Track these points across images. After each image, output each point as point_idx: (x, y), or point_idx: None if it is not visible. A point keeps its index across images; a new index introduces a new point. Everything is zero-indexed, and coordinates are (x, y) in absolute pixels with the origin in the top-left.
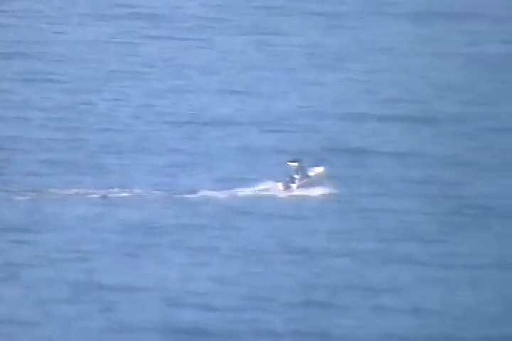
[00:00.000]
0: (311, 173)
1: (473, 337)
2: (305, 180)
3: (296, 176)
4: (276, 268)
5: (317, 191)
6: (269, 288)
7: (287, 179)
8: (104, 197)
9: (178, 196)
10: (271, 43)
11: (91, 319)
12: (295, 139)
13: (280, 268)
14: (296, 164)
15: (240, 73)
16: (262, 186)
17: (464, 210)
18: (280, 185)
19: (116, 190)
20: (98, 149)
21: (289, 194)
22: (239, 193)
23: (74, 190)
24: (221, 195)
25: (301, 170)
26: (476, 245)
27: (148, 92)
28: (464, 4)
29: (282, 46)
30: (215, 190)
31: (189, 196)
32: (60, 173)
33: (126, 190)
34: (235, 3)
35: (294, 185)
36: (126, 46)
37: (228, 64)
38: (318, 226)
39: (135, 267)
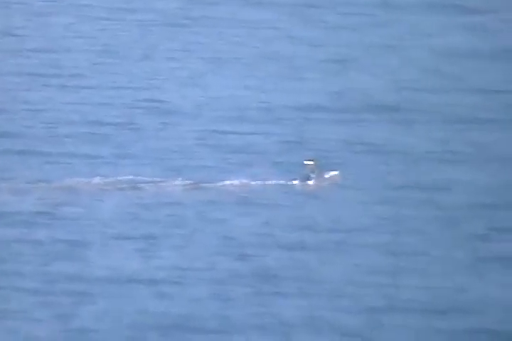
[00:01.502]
0: (326, 175)
1: None
2: (320, 180)
3: (312, 175)
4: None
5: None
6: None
7: (303, 177)
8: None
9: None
10: None
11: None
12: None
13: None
14: (312, 163)
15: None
16: (278, 182)
17: None
18: (296, 182)
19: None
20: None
21: (305, 188)
22: (254, 185)
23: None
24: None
25: (317, 170)
26: None
27: None
28: None
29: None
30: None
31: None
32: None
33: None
34: None
35: (310, 182)
36: None
37: None
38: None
39: None
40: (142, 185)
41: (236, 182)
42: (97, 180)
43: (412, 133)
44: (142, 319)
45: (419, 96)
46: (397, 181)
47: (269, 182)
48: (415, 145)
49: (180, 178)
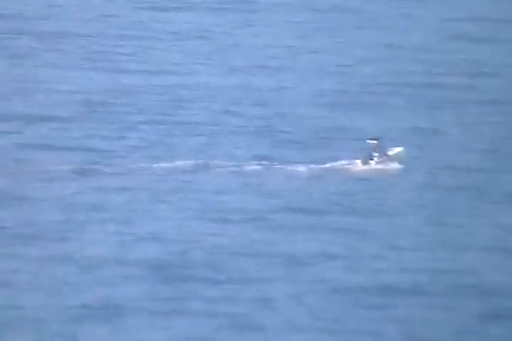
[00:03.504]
0: (389, 152)
1: None
2: (384, 158)
3: (375, 154)
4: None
5: (395, 166)
6: None
7: (366, 156)
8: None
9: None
10: None
11: None
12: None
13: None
14: (375, 142)
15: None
16: (340, 162)
17: None
18: (359, 161)
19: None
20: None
21: (367, 168)
22: (317, 167)
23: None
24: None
25: (380, 149)
26: None
27: None
28: None
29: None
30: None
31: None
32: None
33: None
34: None
35: (372, 162)
36: None
37: None
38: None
39: None
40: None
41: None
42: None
43: None
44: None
45: None
46: None
47: (333, 163)
48: None
49: (263, 161)
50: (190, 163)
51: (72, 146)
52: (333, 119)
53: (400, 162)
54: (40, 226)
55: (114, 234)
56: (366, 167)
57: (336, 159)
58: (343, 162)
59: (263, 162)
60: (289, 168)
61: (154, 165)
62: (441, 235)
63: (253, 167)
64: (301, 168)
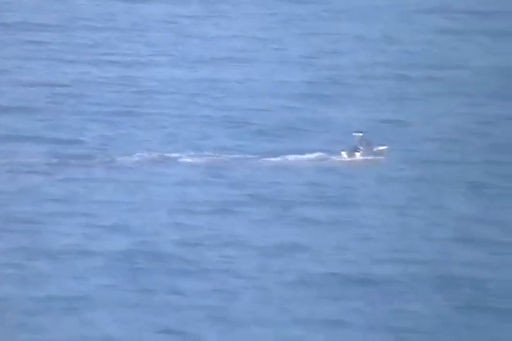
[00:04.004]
0: (374, 149)
1: None
2: (369, 153)
3: (361, 147)
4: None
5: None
6: None
7: (351, 148)
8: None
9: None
10: None
11: None
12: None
13: None
14: (360, 134)
15: None
16: (325, 154)
17: None
18: (344, 153)
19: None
20: None
21: (352, 160)
22: (302, 158)
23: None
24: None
25: (365, 143)
26: None
27: None
28: None
29: None
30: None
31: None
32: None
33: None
34: None
35: (357, 154)
36: None
37: None
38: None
39: None
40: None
41: (292, 156)
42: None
43: None
44: None
45: None
46: None
47: (316, 154)
48: None
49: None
50: (155, 154)
51: (38, 138)
52: (300, 111)
53: (387, 158)
54: (7, 217)
55: (81, 226)
56: (351, 158)
57: (307, 151)
58: (320, 153)
59: (231, 153)
60: (259, 159)
61: (119, 158)
62: (406, 226)
63: (221, 158)
64: (272, 159)
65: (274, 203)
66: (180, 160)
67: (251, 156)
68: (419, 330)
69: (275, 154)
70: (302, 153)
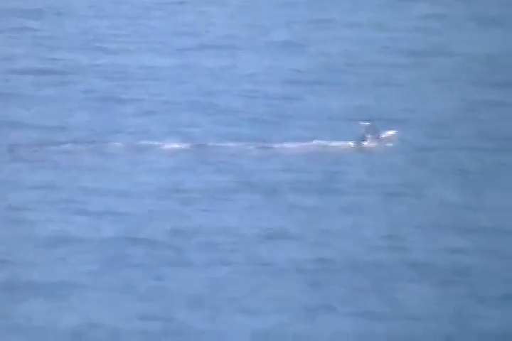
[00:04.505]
0: (383, 135)
1: None
2: (376, 141)
3: (368, 136)
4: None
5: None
6: None
7: (359, 138)
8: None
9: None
10: None
11: None
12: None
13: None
14: (367, 123)
15: None
16: (333, 144)
17: None
18: (351, 143)
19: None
20: None
21: (359, 149)
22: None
23: None
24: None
25: (373, 131)
26: None
27: None
28: None
29: None
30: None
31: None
32: None
33: None
34: None
35: (365, 143)
36: None
37: None
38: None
39: None
40: None
41: (294, 144)
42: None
43: None
44: None
45: None
46: None
47: (323, 142)
48: None
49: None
50: (142, 141)
51: (23, 124)
52: (289, 98)
53: (397, 143)
54: None
55: (67, 213)
56: (359, 147)
57: (297, 138)
58: (336, 144)
59: (220, 140)
60: (248, 146)
61: (106, 144)
62: (393, 213)
63: (210, 145)
64: (264, 146)
65: (261, 190)
66: (167, 146)
67: (240, 144)
68: (407, 317)
69: (266, 141)
70: (294, 140)
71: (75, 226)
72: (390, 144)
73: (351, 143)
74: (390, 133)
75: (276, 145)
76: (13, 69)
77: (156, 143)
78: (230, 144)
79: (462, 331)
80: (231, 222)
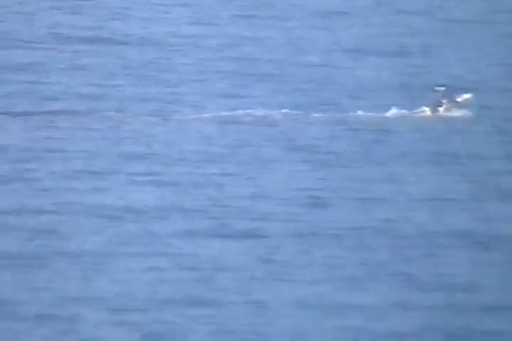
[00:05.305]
0: (458, 99)
1: None
2: (452, 104)
3: (444, 101)
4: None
5: (465, 113)
6: None
7: (434, 103)
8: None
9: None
10: None
11: None
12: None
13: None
14: (443, 88)
15: None
16: (409, 110)
17: None
18: (427, 109)
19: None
20: None
21: (437, 115)
22: (386, 114)
23: None
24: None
25: (448, 95)
26: None
27: None
28: None
29: None
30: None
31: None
32: None
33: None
34: None
35: (441, 109)
36: None
37: None
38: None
39: None
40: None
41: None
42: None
43: None
44: None
45: None
46: None
47: (399, 110)
48: None
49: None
50: (184, 110)
51: (62, 92)
52: (339, 68)
53: (469, 109)
54: None
55: (111, 182)
56: (437, 114)
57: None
58: (413, 110)
59: (271, 108)
60: (307, 115)
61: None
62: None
63: (261, 114)
64: (326, 115)
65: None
66: (208, 115)
67: (295, 112)
68: (450, 285)
69: (324, 110)
70: (356, 110)
71: (123, 195)
72: (465, 110)
73: (426, 109)
74: (466, 96)
75: (351, 114)
76: (56, 37)
77: (196, 111)
78: (284, 112)
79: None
80: (272, 189)
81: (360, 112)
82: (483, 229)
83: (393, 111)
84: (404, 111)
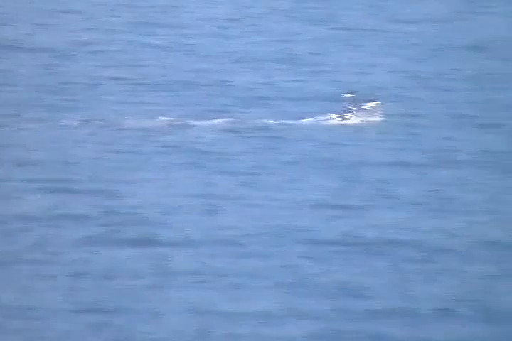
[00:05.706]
0: (366, 106)
1: None
2: (361, 112)
3: (352, 108)
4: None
5: (373, 119)
6: None
7: (342, 110)
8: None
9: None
10: None
11: None
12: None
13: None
14: (350, 95)
15: None
16: (317, 118)
17: None
18: (335, 116)
19: None
20: None
21: (344, 123)
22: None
23: None
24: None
25: (357, 102)
26: None
27: None
28: None
29: None
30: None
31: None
32: None
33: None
34: None
35: (349, 116)
36: None
37: None
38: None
39: None
40: None
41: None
42: None
43: None
44: None
45: None
46: None
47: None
48: None
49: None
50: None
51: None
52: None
53: (377, 116)
54: None
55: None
56: (345, 121)
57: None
58: (320, 117)
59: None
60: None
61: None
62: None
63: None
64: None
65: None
66: (99, 122)
67: (187, 119)
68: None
69: (216, 117)
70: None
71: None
72: (377, 116)
73: (334, 116)
74: (373, 103)
75: (244, 121)
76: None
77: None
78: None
79: None
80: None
81: (255, 119)
82: (372, 235)
83: (306, 119)
84: (311, 119)
